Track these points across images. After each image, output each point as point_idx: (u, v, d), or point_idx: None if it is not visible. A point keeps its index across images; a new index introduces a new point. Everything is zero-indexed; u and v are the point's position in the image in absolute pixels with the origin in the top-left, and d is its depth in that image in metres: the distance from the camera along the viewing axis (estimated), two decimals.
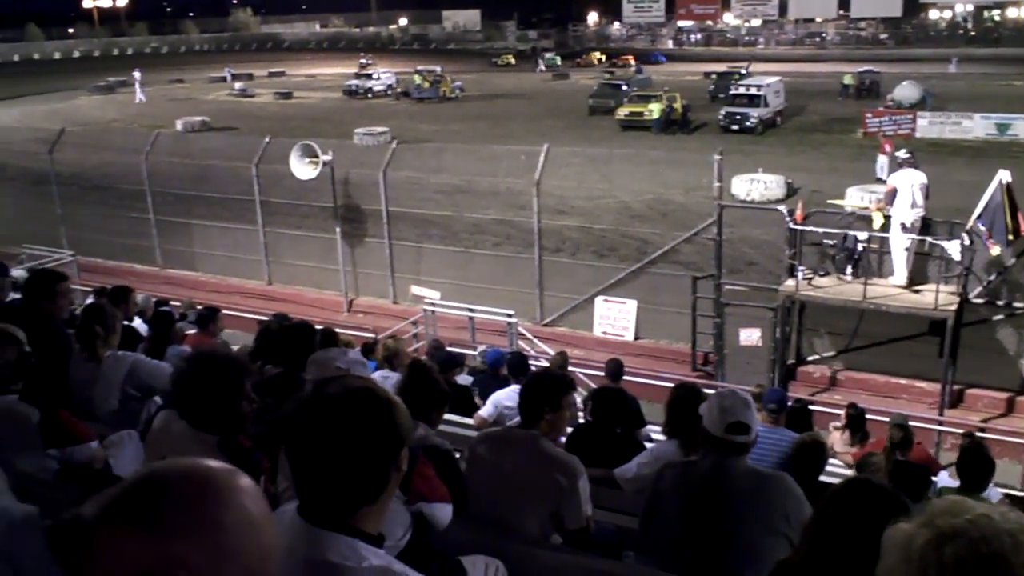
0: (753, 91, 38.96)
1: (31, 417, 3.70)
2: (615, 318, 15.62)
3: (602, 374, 9.34)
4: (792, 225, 13.10)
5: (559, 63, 76.93)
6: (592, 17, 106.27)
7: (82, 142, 24.77)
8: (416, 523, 2.85)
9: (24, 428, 3.68)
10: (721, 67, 57.24)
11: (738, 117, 37.36)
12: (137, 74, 57.88)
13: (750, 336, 13.77)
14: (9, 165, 28.10)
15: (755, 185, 24.58)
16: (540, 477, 3.69)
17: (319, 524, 1.80)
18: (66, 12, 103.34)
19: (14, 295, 6.57)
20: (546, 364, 11.13)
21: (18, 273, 10.80)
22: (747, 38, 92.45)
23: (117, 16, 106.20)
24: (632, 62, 74.40)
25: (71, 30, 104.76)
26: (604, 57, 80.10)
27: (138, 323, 7.95)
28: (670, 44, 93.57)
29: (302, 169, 16.58)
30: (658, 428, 6.27)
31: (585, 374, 11.97)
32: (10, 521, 1.12)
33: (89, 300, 11.10)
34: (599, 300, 15.78)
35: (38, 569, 1.08)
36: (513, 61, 79.55)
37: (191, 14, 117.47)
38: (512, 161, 18.59)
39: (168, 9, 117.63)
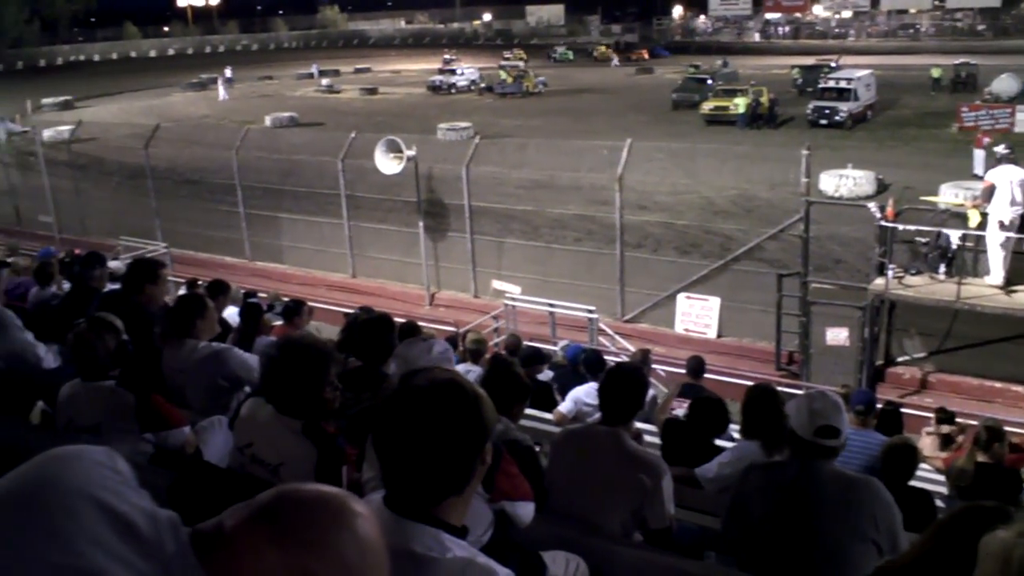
0: (843, 84, 37.97)
1: (128, 402, 3.83)
2: (697, 315, 15.43)
3: (683, 371, 9.24)
4: (883, 222, 12.73)
5: (571, 57, 76.91)
6: (677, 11, 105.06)
7: (175, 137, 25.57)
8: (498, 521, 2.86)
9: (121, 412, 3.81)
10: (810, 60, 55.84)
11: (827, 111, 36.46)
12: (228, 72, 59.30)
13: (837, 335, 13.44)
14: (107, 160, 29.13)
15: (844, 181, 23.93)
16: (623, 475, 3.66)
17: (405, 515, 1.81)
18: (162, 11, 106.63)
19: (112, 285, 6.79)
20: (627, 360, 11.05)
21: (115, 264, 11.20)
22: (837, 30, 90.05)
23: (210, 15, 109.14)
24: (646, 56, 74.69)
25: (166, 29, 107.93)
26: (606, 49, 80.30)
27: (229, 314, 8.17)
28: (757, 37, 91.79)
29: (387, 164, 16.79)
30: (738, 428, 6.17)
31: (666, 371, 11.88)
32: (158, 521, 1.20)
33: (181, 291, 11.47)
34: (681, 297, 15.61)
35: (184, 570, 1.16)
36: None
37: (280, 12, 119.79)
38: (594, 156, 18.52)
39: (258, 7, 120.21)
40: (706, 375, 8.98)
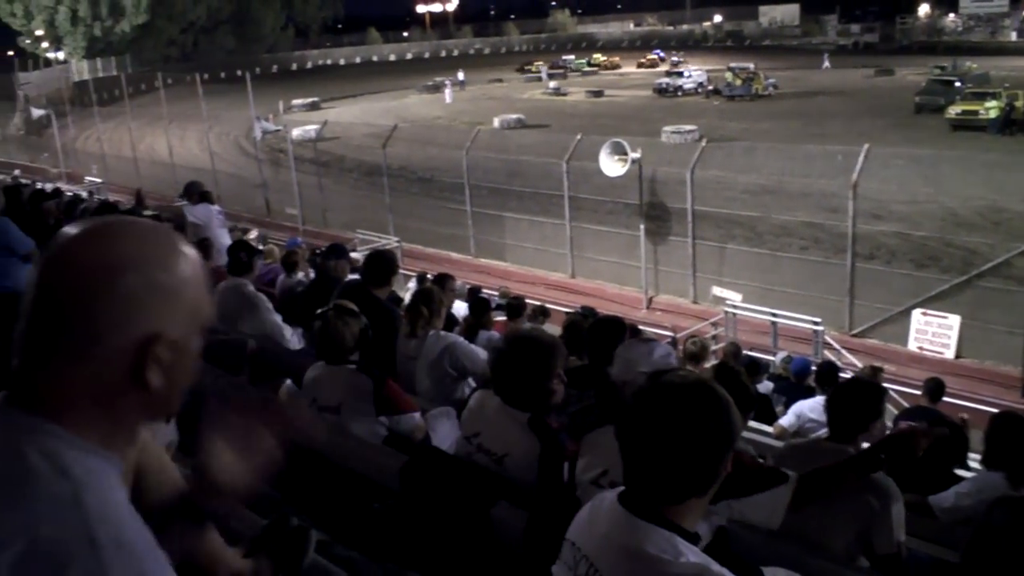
0: None
1: (366, 386, 4.07)
2: (934, 333, 14.46)
3: (916, 392, 8.70)
4: None
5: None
6: (924, 8, 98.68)
7: (410, 137, 26.83)
8: (718, 533, 2.83)
9: (360, 395, 4.06)
10: None
11: None
12: (460, 74, 61.48)
13: None
14: (348, 157, 31.06)
15: None
16: (850, 496, 3.50)
17: (639, 514, 1.82)
18: (403, 17, 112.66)
19: (352, 276, 7.25)
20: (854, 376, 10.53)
21: (354, 256, 11.94)
22: None
23: (446, 20, 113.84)
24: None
25: (406, 34, 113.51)
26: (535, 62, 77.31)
27: (456, 307, 8.51)
28: (1014, 36, 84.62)
29: (611, 166, 16.87)
30: (978, 456, 5.74)
31: (897, 391, 11.22)
32: None
33: (411, 284, 12.05)
34: (916, 313, 14.68)
35: None
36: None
37: (512, 16, 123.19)
38: (827, 161, 17.76)
39: (492, 12, 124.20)
40: (943, 398, 8.42)
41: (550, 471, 3.32)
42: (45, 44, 70.75)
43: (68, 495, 1.13)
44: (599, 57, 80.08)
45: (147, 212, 12.65)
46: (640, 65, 77.24)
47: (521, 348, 3.45)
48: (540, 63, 77.36)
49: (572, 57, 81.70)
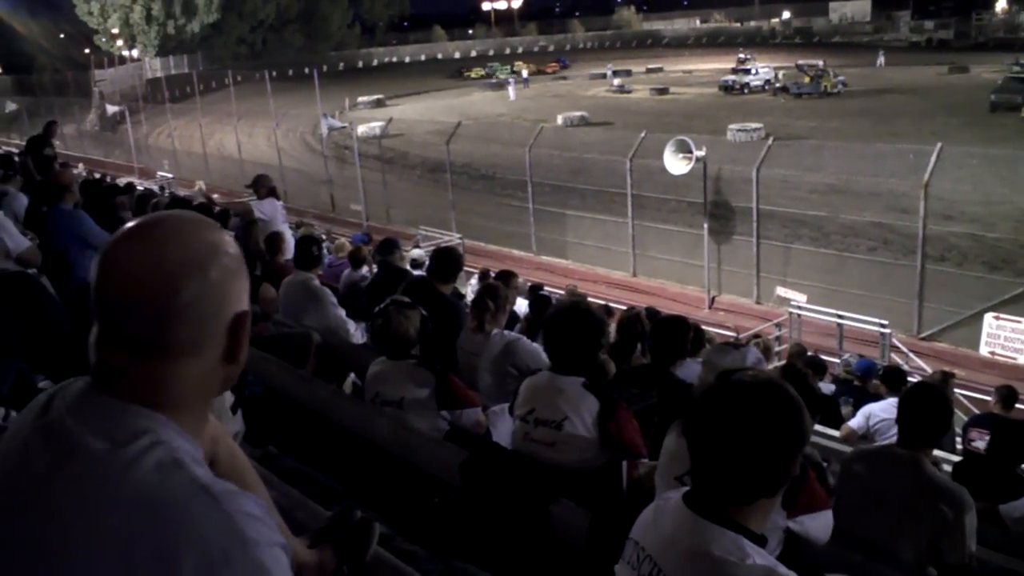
0: None
1: (428, 380, 4.10)
2: (1006, 338, 14.04)
3: (987, 398, 8.47)
4: None
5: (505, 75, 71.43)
6: (1001, 4, 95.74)
7: (473, 134, 26.93)
8: (788, 539, 2.80)
9: (422, 390, 4.09)
10: None
11: None
12: (525, 72, 61.46)
13: None
14: (411, 154, 31.32)
15: None
16: (922, 503, 3.43)
17: (705, 516, 1.81)
18: (467, 15, 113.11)
19: (418, 273, 7.33)
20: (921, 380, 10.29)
21: (417, 252, 12.05)
22: None
23: (511, 17, 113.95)
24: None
25: (470, 31, 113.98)
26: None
27: (517, 305, 8.53)
28: None
29: (675, 164, 16.74)
30: None
31: (966, 396, 10.95)
32: None
33: (472, 281, 12.10)
34: (988, 317, 14.28)
35: None
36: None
37: (577, 13, 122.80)
38: (898, 160, 17.38)
39: (556, 9, 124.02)
40: (1017, 406, 8.18)
41: (610, 428, 3.41)
42: (120, 42, 72.60)
43: (206, 496, 1.15)
44: (521, 65, 78.78)
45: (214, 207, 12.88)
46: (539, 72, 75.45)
47: (571, 316, 3.58)
48: (478, 69, 77.09)
49: (496, 64, 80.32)
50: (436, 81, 69.59)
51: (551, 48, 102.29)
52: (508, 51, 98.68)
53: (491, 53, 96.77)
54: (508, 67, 77.75)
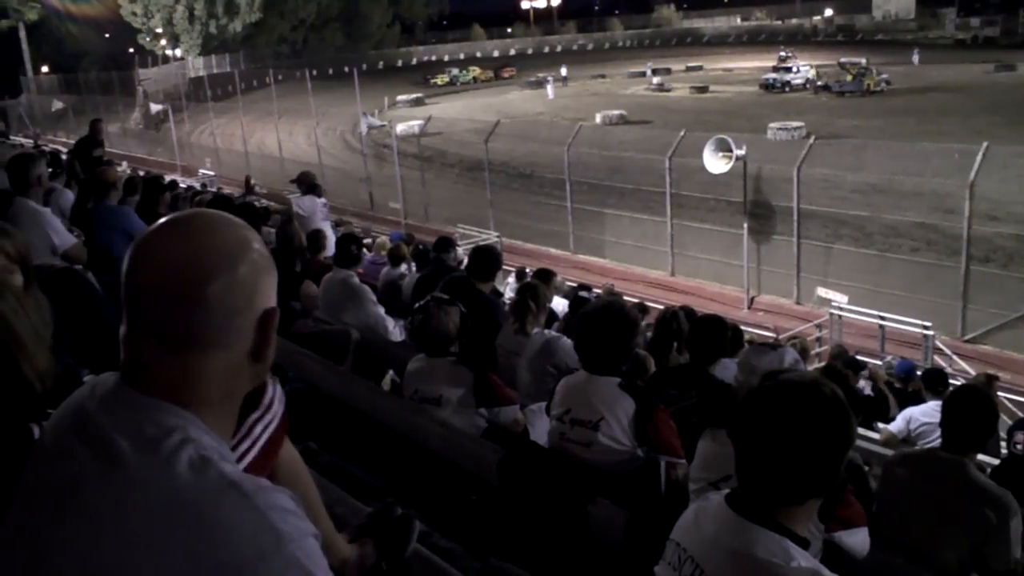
0: None
1: (467, 378, 4.12)
2: None
3: None
4: None
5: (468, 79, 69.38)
6: None
7: (512, 133, 26.94)
8: (826, 549, 2.77)
9: (461, 387, 4.11)
10: None
11: None
12: (563, 70, 61.24)
13: None
14: (449, 152, 31.40)
15: None
16: (966, 508, 3.38)
17: (749, 517, 1.80)
18: (506, 13, 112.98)
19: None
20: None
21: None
22: None
23: (550, 16, 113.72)
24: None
25: (509, 30, 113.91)
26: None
27: (555, 304, 8.54)
28: None
29: (715, 163, 16.64)
30: None
31: (1010, 399, 10.76)
32: None
33: (510, 279, 12.12)
34: None
35: None
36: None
37: (616, 12, 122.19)
38: (942, 160, 17.13)
39: (596, 8, 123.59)
40: None
41: (646, 427, 3.40)
42: (163, 42, 73.56)
43: (237, 492, 1.15)
44: (475, 70, 77.29)
45: (253, 198, 12.98)
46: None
47: (604, 316, 3.59)
48: (443, 76, 75.28)
49: (456, 70, 78.63)
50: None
51: (590, 47, 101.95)
52: (547, 50, 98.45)
53: (530, 52, 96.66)
54: (466, 71, 76.67)
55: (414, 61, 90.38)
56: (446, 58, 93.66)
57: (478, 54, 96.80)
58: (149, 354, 1.22)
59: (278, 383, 1.74)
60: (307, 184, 10.93)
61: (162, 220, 1.28)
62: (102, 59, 74.32)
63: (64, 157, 13.86)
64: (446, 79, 73.93)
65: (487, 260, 6.07)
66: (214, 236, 1.24)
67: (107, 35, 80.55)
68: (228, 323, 1.23)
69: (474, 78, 72.89)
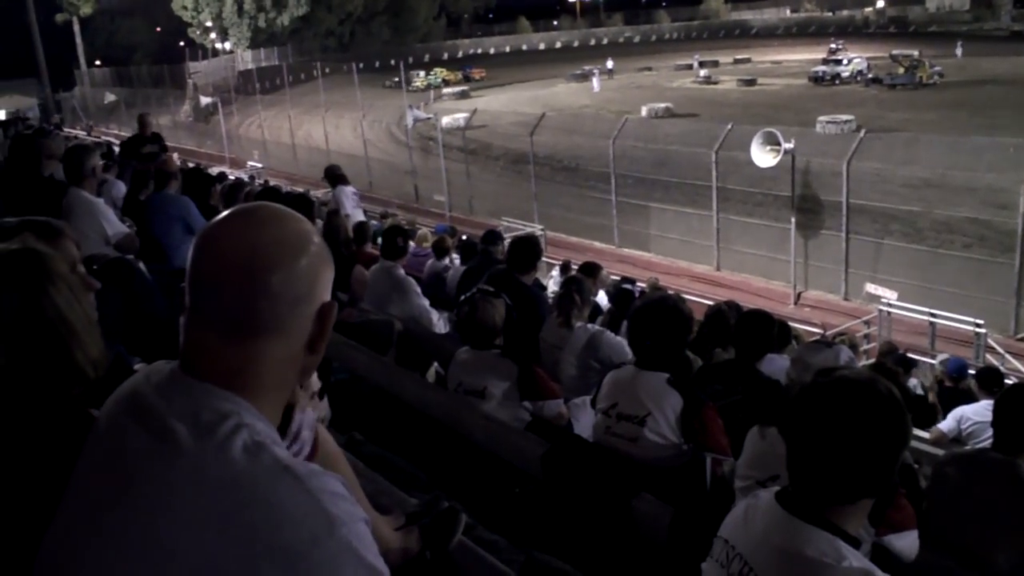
0: None
1: (511, 371, 4.12)
2: None
3: None
4: None
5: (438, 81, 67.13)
6: None
7: (557, 126, 26.87)
8: (874, 551, 2.74)
9: (505, 380, 4.11)
10: None
11: None
12: (610, 63, 60.88)
13: None
14: (494, 145, 31.42)
15: None
16: (1017, 510, 3.31)
17: (800, 516, 1.78)
18: (553, 5, 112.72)
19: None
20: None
21: None
22: None
23: (597, 8, 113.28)
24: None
25: (555, 23, 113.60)
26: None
27: (600, 298, 8.50)
28: None
29: (763, 157, 16.48)
30: None
31: None
32: None
33: (554, 272, 12.10)
34: None
35: None
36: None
37: (664, 4, 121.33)
38: (997, 154, 16.82)
39: (643, 0, 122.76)
40: None
41: (694, 426, 3.40)
42: (213, 35, 74.54)
43: (290, 476, 1.17)
44: (443, 71, 74.76)
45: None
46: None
47: (659, 311, 3.58)
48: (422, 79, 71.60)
49: (423, 73, 75.65)
50: (520, 72, 69.47)
51: (636, 39, 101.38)
52: (593, 42, 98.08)
53: (576, 44, 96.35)
54: (435, 74, 72.63)
55: (460, 54, 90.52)
56: (492, 51, 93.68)
57: (523, 47, 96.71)
58: (211, 340, 1.25)
59: (308, 411, 1.76)
60: (333, 177, 11.09)
61: (229, 211, 1.32)
62: (153, 53, 75.50)
63: (116, 149, 14.05)
64: (426, 82, 69.72)
65: (527, 251, 5.99)
66: (279, 228, 1.27)
67: (158, 29, 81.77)
68: (290, 311, 1.25)
69: (444, 80, 71.23)
